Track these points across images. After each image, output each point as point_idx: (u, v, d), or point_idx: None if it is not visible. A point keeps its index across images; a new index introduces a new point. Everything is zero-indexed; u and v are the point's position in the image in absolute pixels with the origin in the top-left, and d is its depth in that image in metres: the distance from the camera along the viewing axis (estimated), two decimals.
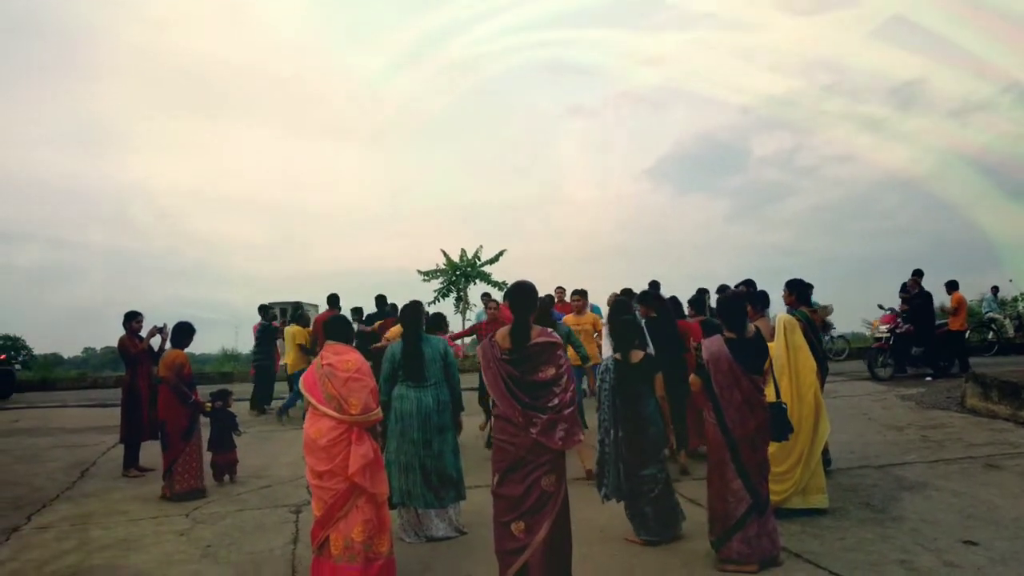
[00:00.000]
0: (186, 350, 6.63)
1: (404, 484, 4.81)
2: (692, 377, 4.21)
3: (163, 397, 6.35)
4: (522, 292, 3.80)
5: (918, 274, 12.09)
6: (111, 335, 7.63)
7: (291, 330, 10.82)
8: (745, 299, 4.69)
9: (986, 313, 16.00)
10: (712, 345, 4.10)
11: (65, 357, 36.29)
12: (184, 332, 6.64)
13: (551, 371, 3.62)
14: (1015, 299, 17.71)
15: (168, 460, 6.22)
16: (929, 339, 11.72)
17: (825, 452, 6.03)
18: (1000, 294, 16.90)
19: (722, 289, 10.51)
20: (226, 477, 6.75)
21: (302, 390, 3.95)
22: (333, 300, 10.66)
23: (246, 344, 22.93)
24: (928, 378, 11.51)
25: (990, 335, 15.38)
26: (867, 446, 7.20)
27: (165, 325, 7.07)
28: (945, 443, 7.04)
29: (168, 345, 6.75)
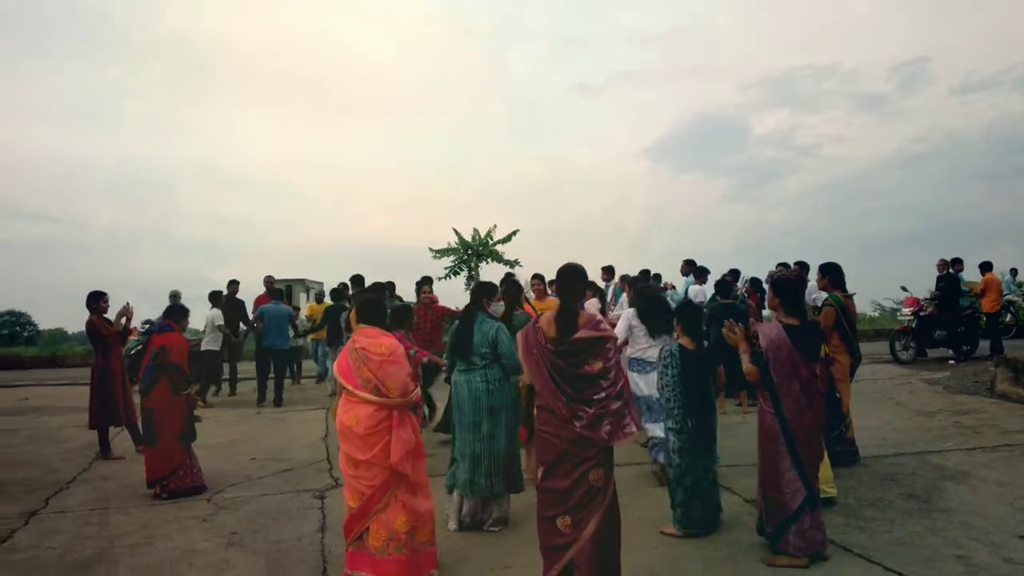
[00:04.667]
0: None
1: (469, 475, 4.68)
2: (748, 366, 3.98)
3: (159, 389, 5.68)
4: (572, 275, 3.59)
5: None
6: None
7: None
8: (804, 282, 4.47)
9: (1005, 295, 15.71)
10: (771, 332, 3.87)
11: (70, 333, 36.33)
12: (181, 312, 6.21)
13: (598, 365, 3.43)
14: None
15: (168, 467, 5.65)
16: (952, 322, 11.54)
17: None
18: (1019, 276, 16.62)
19: (732, 273, 10.33)
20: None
21: (336, 376, 3.79)
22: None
23: None
24: (951, 361, 11.34)
25: (1008, 318, 15.10)
26: (899, 432, 7.04)
27: (128, 304, 7.22)
28: (980, 429, 6.88)
29: (133, 325, 6.47)
